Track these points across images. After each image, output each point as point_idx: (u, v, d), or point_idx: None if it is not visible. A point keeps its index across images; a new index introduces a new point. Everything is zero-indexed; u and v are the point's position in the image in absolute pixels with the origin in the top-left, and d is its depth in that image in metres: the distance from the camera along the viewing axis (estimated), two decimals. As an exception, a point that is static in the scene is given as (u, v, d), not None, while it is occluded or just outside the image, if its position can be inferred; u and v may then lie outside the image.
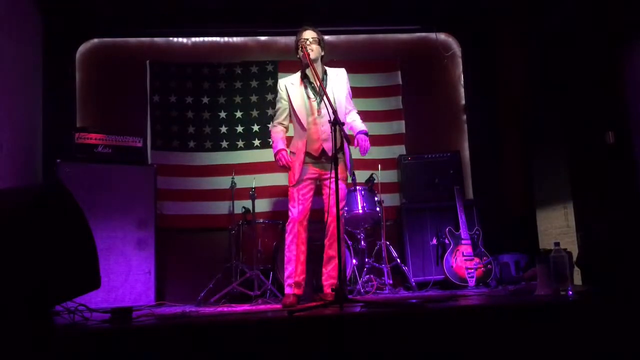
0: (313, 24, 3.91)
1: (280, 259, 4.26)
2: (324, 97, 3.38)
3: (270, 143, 4.30)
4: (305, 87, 3.84)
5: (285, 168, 3.84)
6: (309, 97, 3.81)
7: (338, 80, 3.87)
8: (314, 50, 3.73)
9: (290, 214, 3.78)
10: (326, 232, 3.79)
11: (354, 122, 3.94)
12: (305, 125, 3.77)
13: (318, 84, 3.66)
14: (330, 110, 3.30)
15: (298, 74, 3.91)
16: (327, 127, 3.68)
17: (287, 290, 3.74)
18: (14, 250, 2.30)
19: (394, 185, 5.47)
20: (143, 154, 4.68)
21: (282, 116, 3.92)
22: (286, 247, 3.79)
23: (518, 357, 2.38)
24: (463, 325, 2.41)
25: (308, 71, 3.81)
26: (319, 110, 3.76)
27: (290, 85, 3.87)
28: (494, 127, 5.68)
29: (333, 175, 3.50)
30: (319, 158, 3.79)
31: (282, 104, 3.92)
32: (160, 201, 4.92)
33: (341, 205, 3.55)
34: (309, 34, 3.78)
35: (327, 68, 3.89)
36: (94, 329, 2.45)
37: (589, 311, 2.49)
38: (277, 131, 3.93)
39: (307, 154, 3.78)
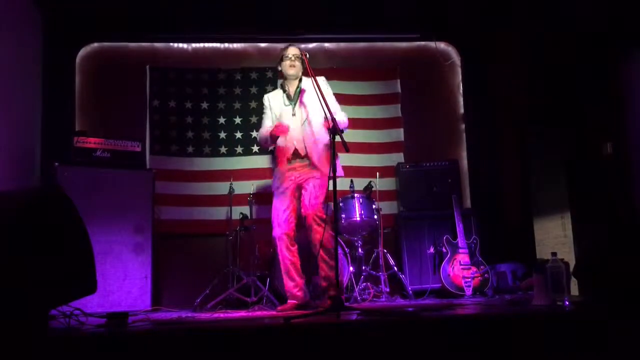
0: (313, 31, 3.95)
1: (277, 266, 4.27)
2: (323, 104, 3.42)
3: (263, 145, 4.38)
4: (284, 95, 4.06)
5: (284, 130, 3.92)
6: (285, 104, 4.03)
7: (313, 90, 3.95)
8: (296, 67, 3.99)
9: (273, 230, 3.97)
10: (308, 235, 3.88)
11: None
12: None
13: (293, 94, 4.00)
14: (328, 115, 3.36)
15: (279, 89, 4.21)
16: (299, 130, 3.91)
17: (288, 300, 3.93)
18: (10, 252, 2.29)
19: (392, 193, 5.47)
20: (141, 158, 4.67)
21: (267, 123, 4.11)
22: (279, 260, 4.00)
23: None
24: (459, 334, 2.40)
25: (287, 82, 4.08)
26: (293, 114, 3.96)
27: (272, 96, 4.16)
28: (493, 136, 5.69)
29: (314, 175, 3.84)
30: (292, 159, 3.95)
31: (266, 114, 4.18)
32: (158, 206, 4.91)
33: (321, 199, 3.83)
34: (292, 51, 4.02)
35: (304, 78, 4.06)
36: (90, 333, 2.45)
37: (585, 321, 2.49)
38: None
39: (286, 157, 3.97)
